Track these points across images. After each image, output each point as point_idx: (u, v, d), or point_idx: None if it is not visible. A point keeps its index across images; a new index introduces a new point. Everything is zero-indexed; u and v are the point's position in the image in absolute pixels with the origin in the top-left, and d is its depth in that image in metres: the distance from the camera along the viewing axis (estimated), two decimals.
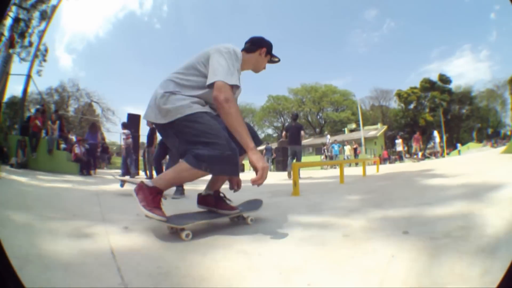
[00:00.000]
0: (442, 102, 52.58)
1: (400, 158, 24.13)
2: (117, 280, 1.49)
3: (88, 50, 74.49)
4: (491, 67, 73.20)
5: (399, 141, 24.17)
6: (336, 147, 22.80)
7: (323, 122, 62.03)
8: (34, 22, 21.72)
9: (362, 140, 36.38)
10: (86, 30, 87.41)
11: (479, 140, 45.92)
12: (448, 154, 28.82)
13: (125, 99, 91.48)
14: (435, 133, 22.47)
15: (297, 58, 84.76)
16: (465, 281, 1.40)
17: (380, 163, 27.41)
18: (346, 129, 52.98)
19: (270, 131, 66.17)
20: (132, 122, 14.05)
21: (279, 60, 2.97)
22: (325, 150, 24.54)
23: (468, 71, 75.81)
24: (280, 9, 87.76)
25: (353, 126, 50.55)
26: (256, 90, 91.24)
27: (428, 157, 22.83)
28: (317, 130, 60.45)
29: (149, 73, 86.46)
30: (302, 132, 10.21)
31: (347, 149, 23.64)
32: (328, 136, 25.25)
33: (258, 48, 2.81)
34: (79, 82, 47.42)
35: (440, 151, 23.07)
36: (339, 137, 40.33)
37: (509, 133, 50.34)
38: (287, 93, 62.37)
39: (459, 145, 35.09)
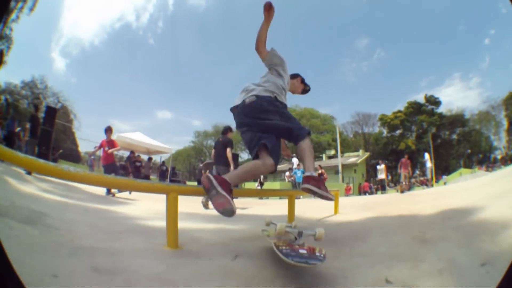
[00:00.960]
0: (431, 127, 50.42)
1: (382, 187, 18.75)
2: None
3: (82, 57, 73.90)
4: (481, 94, 73.72)
5: (381, 167, 19.20)
6: (299, 173, 17.92)
7: None
8: None
9: (340, 167, 31.70)
10: (82, 35, 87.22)
11: (467, 167, 42.20)
12: (437, 182, 23.02)
13: (110, 111, 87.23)
14: (426, 156, 18.18)
15: None
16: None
17: (360, 193, 22.58)
18: (324, 155, 48.79)
19: (246, 155, 61.60)
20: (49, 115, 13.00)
21: (309, 89, 3.98)
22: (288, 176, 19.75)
23: (456, 99, 76.10)
24: (271, 32, 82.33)
25: (332, 152, 45.86)
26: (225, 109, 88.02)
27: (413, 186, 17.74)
28: (294, 154, 54.75)
29: (138, 87, 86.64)
30: (228, 149, 8.50)
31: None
32: (295, 160, 19.41)
33: (297, 77, 3.83)
34: (47, 80, 45.98)
35: (430, 178, 17.96)
36: (319, 163, 35.78)
37: (499, 157, 48.49)
38: None
39: (445, 177, 30.26)
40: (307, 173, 2.83)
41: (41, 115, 12.53)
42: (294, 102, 63.56)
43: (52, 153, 18.14)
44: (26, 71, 72.18)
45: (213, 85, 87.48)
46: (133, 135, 19.53)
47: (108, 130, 9.59)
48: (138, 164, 18.90)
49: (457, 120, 51.59)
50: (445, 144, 51.39)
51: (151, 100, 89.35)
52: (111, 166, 9.25)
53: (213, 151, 9.06)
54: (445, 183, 21.09)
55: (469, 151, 51.43)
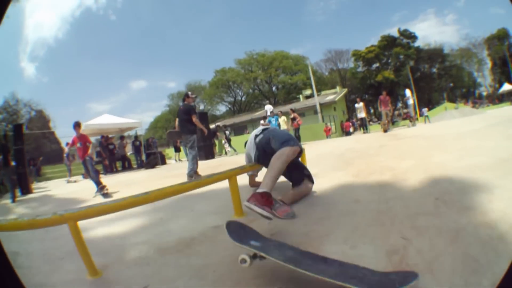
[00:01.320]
0: (408, 60, 48.81)
1: (363, 126, 17.97)
2: None
3: (49, 55, 70.37)
4: (459, 31, 72.68)
5: (359, 105, 17.91)
6: (273, 120, 16.41)
7: (275, 90, 57.56)
8: None
9: (318, 107, 30.46)
10: (46, 35, 79.95)
11: (451, 101, 41.35)
12: (421, 116, 22.32)
13: (87, 96, 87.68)
14: (408, 92, 16.98)
15: (251, 30, 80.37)
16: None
17: (343, 133, 21.70)
18: (301, 96, 47.59)
19: (223, 108, 62.10)
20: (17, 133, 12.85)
21: None
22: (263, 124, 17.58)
23: (432, 33, 74.79)
24: None
25: (308, 92, 44.26)
26: (204, 67, 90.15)
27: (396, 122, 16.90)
28: (271, 100, 55.09)
29: (109, 66, 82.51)
30: (193, 116, 7.99)
31: (282, 121, 16.94)
32: (268, 107, 18.13)
33: None
34: (17, 94, 45.27)
35: (414, 115, 16.75)
36: (296, 105, 35.67)
37: (484, 93, 48.10)
38: (234, 65, 57.20)
39: (425, 110, 28.53)
40: (259, 190, 2.94)
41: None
42: (262, 46, 62.55)
43: (33, 164, 19.69)
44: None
45: (182, 44, 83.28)
46: (100, 119, 19.04)
47: (77, 126, 8.94)
48: (111, 147, 18.58)
49: (436, 54, 50.39)
50: (425, 77, 50.35)
51: (124, 74, 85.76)
52: (88, 161, 8.54)
53: (176, 120, 8.58)
54: (426, 117, 20.30)
55: (451, 85, 50.50)
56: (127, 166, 18.81)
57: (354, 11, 75.24)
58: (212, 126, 19.41)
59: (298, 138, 15.46)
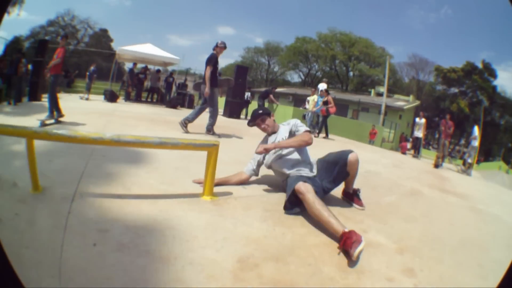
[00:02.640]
0: (485, 98, 44.43)
1: (416, 148, 14.95)
2: None
3: None
4: None
5: (421, 121, 14.73)
6: (318, 101, 13.61)
7: (351, 75, 53.94)
8: None
9: (383, 107, 27.49)
10: None
11: (506, 161, 36.04)
12: (477, 164, 17.74)
13: (169, 27, 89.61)
14: (476, 130, 12.99)
15: (345, 11, 77.17)
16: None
17: (402, 152, 18.32)
18: (372, 90, 44.04)
19: (295, 76, 59.38)
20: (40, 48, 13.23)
21: None
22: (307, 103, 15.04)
23: (509, 87, 70.66)
24: None
25: (382, 90, 40.61)
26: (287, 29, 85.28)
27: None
28: (344, 86, 52.72)
29: (200, 7, 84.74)
30: (207, 67, 7.42)
31: (311, 100, 14.11)
32: (322, 85, 15.41)
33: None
34: (74, 10, 46.04)
35: (474, 159, 13.26)
36: (363, 98, 33.60)
37: None
38: (316, 37, 53.58)
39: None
40: None
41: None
42: (348, 28, 59.27)
43: (66, 76, 20.25)
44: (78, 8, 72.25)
45: (282, 4, 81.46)
46: (141, 47, 18.16)
47: (63, 37, 8.46)
48: (141, 76, 18.00)
49: (509, 105, 45.26)
50: (493, 125, 45.44)
51: (213, 17, 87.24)
52: (52, 80, 7.81)
53: None
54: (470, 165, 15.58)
55: (510, 145, 45.21)
56: (149, 100, 18.40)
57: (447, 33, 73.12)
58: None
59: (322, 128, 12.91)
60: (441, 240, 3.11)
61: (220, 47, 7.65)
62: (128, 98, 16.83)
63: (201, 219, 2.66)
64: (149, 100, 18.49)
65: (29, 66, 13.17)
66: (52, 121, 7.08)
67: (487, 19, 67.20)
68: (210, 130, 7.52)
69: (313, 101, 13.75)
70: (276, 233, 2.63)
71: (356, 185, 3.76)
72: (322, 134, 12.84)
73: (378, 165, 7.27)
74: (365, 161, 7.45)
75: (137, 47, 18.02)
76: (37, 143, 2.64)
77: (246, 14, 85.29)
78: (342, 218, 2.83)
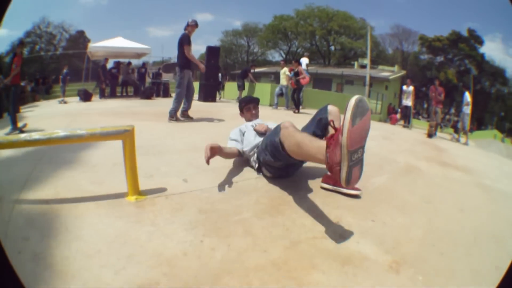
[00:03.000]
0: (473, 67, 43.80)
1: (406, 117, 14.30)
2: None
3: None
4: None
5: (409, 89, 14.03)
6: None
7: (333, 49, 53.09)
8: None
9: (367, 79, 27.11)
10: None
11: (500, 130, 35.77)
12: (470, 132, 16.75)
13: (147, 20, 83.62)
14: (468, 96, 12.01)
15: None
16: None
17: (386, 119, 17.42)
18: (356, 63, 43.17)
19: (276, 55, 57.84)
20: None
21: None
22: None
23: (496, 56, 66.42)
24: None
25: (366, 62, 40.00)
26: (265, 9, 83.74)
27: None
28: (326, 61, 51.66)
29: None
30: (185, 48, 7.07)
31: (282, 74, 13.57)
32: (304, 60, 15.35)
33: None
34: (48, 17, 45.02)
35: (468, 127, 12.44)
36: (346, 71, 33.33)
37: None
38: (294, 14, 53.05)
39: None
40: None
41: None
42: (325, 2, 58.81)
43: (44, 82, 21.06)
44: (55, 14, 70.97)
45: None
46: (112, 41, 18.12)
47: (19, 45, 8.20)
48: (114, 71, 17.31)
49: (498, 74, 44.62)
50: (484, 93, 44.35)
51: (190, 5, 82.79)
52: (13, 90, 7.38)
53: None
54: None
55: (502, 114, 44.64)
56: (124, 94, 17.63)
57: (431, 2, 69.87)
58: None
59: (296, 101, 12.15)
60: (452, 238, 2.40)
61: (191, 25, 7.25)
62: (102, 95, 16.32)
63: (113, 227, 2.15)
64: (124, 94, 17.81)
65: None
66: (17, 132, 6.54)
67: None
68: (172, 116, 6.99)
69: (283, 75, 13.19)
70: (203, 247, 1.96)
71: None
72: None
73: None
74: None
75: (107, 42, 17.77)
76: None
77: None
78: (312, 215, 2.43)
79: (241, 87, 15.54)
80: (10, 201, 2.47)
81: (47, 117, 8.67)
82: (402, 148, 6.24)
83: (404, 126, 13.62)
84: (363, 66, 38.28)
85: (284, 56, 54.70)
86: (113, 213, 2.32)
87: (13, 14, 52.80)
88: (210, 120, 7.37)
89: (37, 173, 3.18)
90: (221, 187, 2.93)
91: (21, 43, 7.92)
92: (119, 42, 17.63)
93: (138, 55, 19.52)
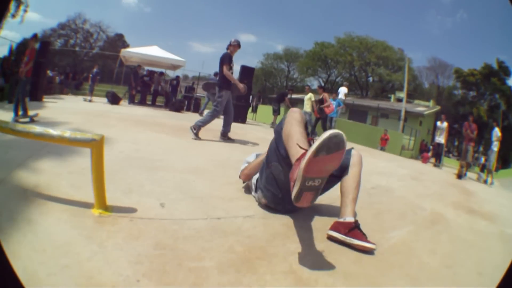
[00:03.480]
0: (502, 100, 42.49)
1: (437, 158, 13.70)
2: None
3: None
4: None
5: (443, 125, 13.39)
6: (333, 104, 13.34)
7: (370, 80, 53.04)
8: None
9: (403, 113, 26.02)
10: None
11: None
12: (496, 171, 15.74)
13: (190, 34, 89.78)
14: (497, 133, 11.45)
15: (362, 14, 75.66)
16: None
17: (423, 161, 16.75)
18: (392, 96, 42.79)
19: (315, 82, 57.37)
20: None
21: None
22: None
23: None
24: None
25: (401, 95, 39.36)
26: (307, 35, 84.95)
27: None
28: (364, 92, 51.65)
29: (221, 12, 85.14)
30: (224, 66, 7.00)
31: (306, 100, 13.26)
32: (342, 89, 16.35)
33: None
34: (85, 13, 47.05)
35: (493, 166, 11.74)
36: (383, 104, 32.96)
37: None
38: (334, 41, 52.88)
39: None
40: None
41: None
42: (364, 32, 58.62)
43: (74, 78, 22.10)
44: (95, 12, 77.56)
45: (301, 10, 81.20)
46: (146, 49, 18.00)
47: (32, 38, 8.30)
48: (146, 79, 17.54)
49: None
50: (510, 129, 43.20)
51: (235, 25, 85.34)
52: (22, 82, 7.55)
53: None
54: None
55: None
56: (154, 102, 17.99)
57: (464, 35, 71.58)
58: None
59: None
60: None
61: (234, 45, 7.19)
62: (132, 101, 16.42)
63: (65, 234, 2.05)
64: (156, 103, 18.01)
65: None
66: (27, 119, 6.87)
67: (499, 21, 65.65)
68: (195, 127, 6.75)
69: (307, 100, 12.90)
70: None
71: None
72: None
73: (392, 178, 6.17)
74: (376, 172, 6.43)
75: (142, 49, 17.82)
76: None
77: (266, 21, 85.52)
78: (292, 280, 1.88)
79: (276, 112, 15.24)
80: None
81: (67, 111, 8.89)
82: (430, 191, 5.76)
83: (435, 165, 13.02)
84: (399, 100, 37.76)
85: (322, 84, 54.67)
86: (72, 221, 2.21)
87: (48, 2, 54.90)
88: (230, 141, 7.17)
89: (29, 162, 3.31)
90: (197, 221, 2.55)
91: (34, 36, 8.03)
92: (154, 51, 17.68)
93: (174, 66, 19.54)
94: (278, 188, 2.68)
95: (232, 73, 7.14)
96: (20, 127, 2.42)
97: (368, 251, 2.33)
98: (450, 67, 50.24)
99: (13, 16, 27.17)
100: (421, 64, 72.74)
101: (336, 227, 2.48)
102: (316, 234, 2.58)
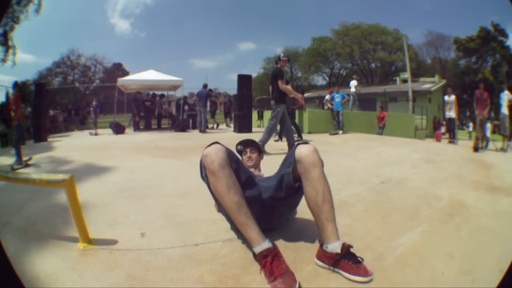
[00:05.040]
0: (504, 62, 41.58)
1: (450, 131, 13.32)
2: None
3: (146, 13, 74.23)
4: None
5: (451, 98, 12.91)
6: (337, 97, 13.22)
7: (373, 66, 52.36)
8: None
9: (410, 93, 25.73)
10: None
11: None
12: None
13: (189, 52, 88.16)
14: (507, 95, 11.05)
15: (355, 6, 74.63)
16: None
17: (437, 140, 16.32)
18: (397, 78, 42.17)
19: (319, 78, 58.07)
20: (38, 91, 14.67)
21: None
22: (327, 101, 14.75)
23: None
24: None
25: (406, 75, 38.81)
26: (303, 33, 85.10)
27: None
28: (369, 79, 51.21)
29: (215, 25, 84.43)
30: (279, 82, 7.23)
31: None
32: (352, 83, 17.05)
33: None
34: (78, 49, 46.88)
35: (509, 131, 11.27)
36: (389, 88, 32.76)
37: None
38: (330, 34, 52.77)
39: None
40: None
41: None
42: (357, 18, 58.20)
43: (77, 114, 22.34)
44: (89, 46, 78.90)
45: (293, 9, 79.49)
46: (142, 74, 18.06)
47: (15, 86, 8.43)
48: (147, 103, 17.61)
49: None
50: None
51: (231, 35, 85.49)
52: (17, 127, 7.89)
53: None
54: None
55: None
56: (159, 125, 18.20)
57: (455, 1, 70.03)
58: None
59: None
60: None
61: (284, 60, 7.52)
62: (136, 128, 16.60)
63: (54, 265, 2.29)
64: (162, 126, 18.12)
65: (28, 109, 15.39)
66: (21, 165, 6.94)
67: None
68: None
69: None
70: None
71: (358, 209, 3.07)
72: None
73: (404, 166, 5.88)
74: (388, 162, 6.19)
75: (138, 75, 17.98)
76: None
77: (262, 25, 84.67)
78: None
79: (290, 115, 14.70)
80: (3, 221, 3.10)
81: (70, 149, 9.03)
82: (447, 173, 5.42)
83: (450, 142, 12.65)
84: (405, 81, 37.34)
85: (327, 79, 55.25)
86: (61, 254, 2.44)
87: (40, 41, 55.38)
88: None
89: (29, 203, 3.69)
90: (172, 250, 2.47)
91: (15, 85, 8.17)
92: (150, 75, 17.67)
93: (174, 87, 19.55)
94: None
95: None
96: (11, 174, 2.90)
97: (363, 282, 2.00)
98: (448, 38, 49.78)
99: (3, 61, 27.25)
100: (419, 41, 72.28)
101: (320, 256, 2.14)
102: (304, 253, 2.32)
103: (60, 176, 2.50)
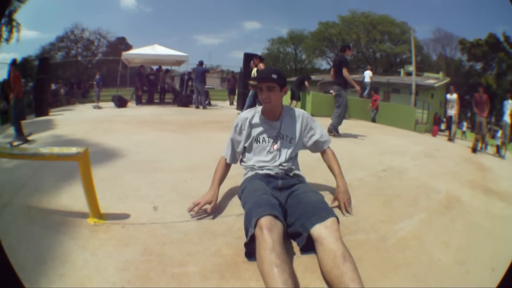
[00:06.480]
0: (508, 73, 41.24)
1: (449, 128, 13.49)
2: None
3: None
4: None
5: (453, 96, 13.19)
6: None
7: (378, 56, 51.97)
8: None
9: (413, 86, 25.87)
10: None
11: None
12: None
13: (194, 28, 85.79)
14: (508, 105, 11.13)
15: None
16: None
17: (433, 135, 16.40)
18: (402, 70, 42.07)
19: (323, 62, 56.86)
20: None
21: None
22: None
23: None
24: None
25: (410, 69, 38.69)
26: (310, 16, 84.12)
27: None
28: (373, 69, 50.03)
29: (222, 5, 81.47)
30: (344, 70, 7.69)
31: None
32: (367, 73, 17.91)
33: None
34: (82, 23, 45.67)
35: (508, 139, 11.24)
36: (393, 79, 32.70)
37: None
38: (337, 20, 52.12)
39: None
40: None
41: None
42: (366, 8, 57.61)
43: (79, 87, 21.91)
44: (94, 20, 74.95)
45: None
46: (146, 49, 18.08)
47: (12, 64, 8.22)
48: (151, 77, 17.44)
49: None
50: None
51: (237, 13, 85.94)
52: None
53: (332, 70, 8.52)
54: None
55: None
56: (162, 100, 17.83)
57: (468, 2, 67.47)
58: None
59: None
60: None
61: (351, 50, 8.31)
62: (139, 102, 16.40)
63: (62, 245, 2.19)
64: (165, 101, 17.96)
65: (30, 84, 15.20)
66: (21, 141, 6.87)
67: None
68: (331, 130, 7.52)
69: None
70: None
71: (362, 192, 3.19)
72: None
73: (405, 157, 5.98)
74: (389, 151, 6.31)
75: (142, 50, 17.95)
76: None
77: (268, 5, 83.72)
78: None
79: (296, 97, 14.22)
80: (4, 201, 2.83)
81: (72, 123, 8.95)
82: (445, 169, 5.54)
83: (449, 139, 12.78)
84: (409, 74, 37.20)
85: (331, 64, 54.18)
86: (69, 232, 2.33)
87: (44, 18, 54.56)
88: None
89: (32, 180, 3.43)
90: (187, 223, 2.49)
91: (13, 62, 8.17)
92: (155, 50, 17.61)
93: (178, 62, 19.47)
94: None
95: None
96: (16, 150, 2.71)
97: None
98: (455, 38, 48.88)
99: (7, 40, 27.17)
100: (426, 36, 71.85)
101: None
102: None
103: (73, 149, 2.36)
